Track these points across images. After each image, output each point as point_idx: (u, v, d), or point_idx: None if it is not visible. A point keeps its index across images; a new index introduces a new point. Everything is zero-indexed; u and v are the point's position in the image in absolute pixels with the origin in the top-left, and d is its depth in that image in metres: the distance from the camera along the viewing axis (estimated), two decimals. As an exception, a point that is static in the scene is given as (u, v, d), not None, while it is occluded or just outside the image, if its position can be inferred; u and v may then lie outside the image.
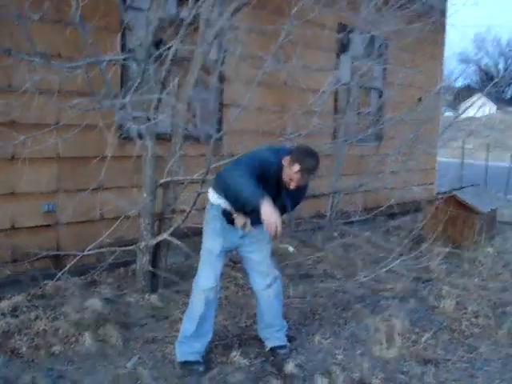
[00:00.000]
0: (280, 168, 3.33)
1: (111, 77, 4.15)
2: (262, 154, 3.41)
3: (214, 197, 3.57)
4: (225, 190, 3.40)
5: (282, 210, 3.40)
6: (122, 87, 5.08)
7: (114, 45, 4.58)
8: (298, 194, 3.53)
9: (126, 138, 5.03)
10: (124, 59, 4.12)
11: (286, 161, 3.30)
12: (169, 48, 4.10)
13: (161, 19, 4.01)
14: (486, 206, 6.94)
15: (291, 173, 3.26)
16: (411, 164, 6.88)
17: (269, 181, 3.30)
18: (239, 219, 3.48)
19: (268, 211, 3.03)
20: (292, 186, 3.30)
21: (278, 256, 5.93)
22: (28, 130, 4.28)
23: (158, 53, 4.04)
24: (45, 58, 3.21)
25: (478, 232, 6.71)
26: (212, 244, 3.58)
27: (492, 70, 59.79)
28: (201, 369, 3.50)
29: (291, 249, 3.53)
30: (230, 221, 3.55)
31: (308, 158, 3.28)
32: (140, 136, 4.26)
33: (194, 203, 4.35)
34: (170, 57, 4.17)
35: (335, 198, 6.86)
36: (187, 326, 3.61)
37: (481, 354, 4.02)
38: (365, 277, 5.01)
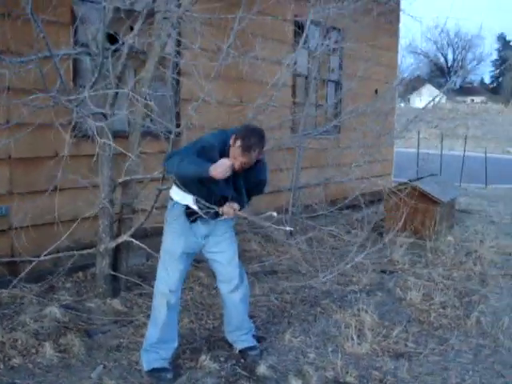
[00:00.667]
0: (229, 148, 3.21)
1: (65, 72, 3.95)
2: (204, 139, 3.30)
3: (179, 194, 3.40)
4: (178, 179, 3.30)
5: (239, 200, 3.35)
6: (75, 83, 4.88)
7: (66, 39, 4.39)
8: (252, 178, 3.38)
9: (82, 137, 4.81)
10: (77, 53, 3.91)
11: (232, 139, 3.19)
12: (123, 42, 3.92)
13: (116, 11, 3.82)
14: (446, 196, 6.99)
15: (234, 149, 3.14)
16: (371, 155, 6.87)
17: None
18: (226, 209, 3.33)
19: (217, 169, 3.02)
20: (236, 165, 3.15)
21: (242, 253, 5.85)
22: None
23: (113, 47, 3.85)
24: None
25: (438, 222, 6.75)
26: (172, 245, 3.44)
27: (441, 60, 61.11)
28: (169, 376, 3.35)
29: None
30: (193, 220, 3.41)
31: (250, 133, 3.16)
32: (97, 134, 4.07)
33: (155, 201, 4.19)
34: (125, 50, 3.98)
35: (297, 192, 6.78)
36: (151, 332, 3.46)
37: (452, 345, 4.01)
38: (330, 273, 4.94)
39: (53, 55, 3.02)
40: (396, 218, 6.87)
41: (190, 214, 3.40)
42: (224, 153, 3.21)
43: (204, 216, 3.35)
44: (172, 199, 3.47)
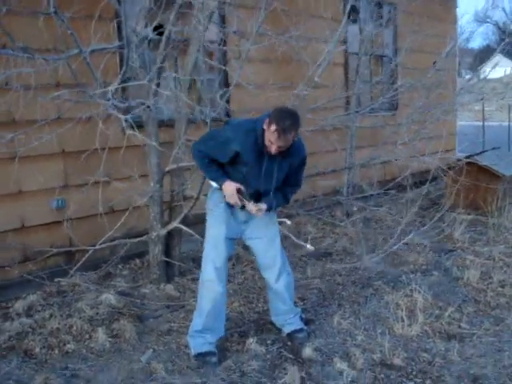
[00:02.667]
0: (262, 134, 3.19)
1: (109, 66, 4.04)
2: (222, 132, 3.35)
3: None
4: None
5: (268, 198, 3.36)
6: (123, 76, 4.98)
7: (110, 33, 4.47)
8: (291, 180, 3.44)
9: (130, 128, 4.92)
10: (120, 47, 3.97)
11: (265, 124, 3.16)
12: (162, 32, 3.96)
13: (155, 1, 3.86)
14: (509, 170, 6.70)
15: (269, 134, 3.12)
16: (428, 131, 6.64)
17: (245, 156, 3.22)
18: (251, 206, 3.34)
19: (227, 191, 3.29)
20: (273, 149, 3.14)
21: (298, 236, 5.83)
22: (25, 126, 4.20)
23: (150, 36, 3.89)
24: (29, 51, 3.09)
25: (501, 197, 6.48)
26: (215, 232, 3.46)
27: (511, 27, 58.20)
28: (214, 359, 3.40)
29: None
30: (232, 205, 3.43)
31: (284, 115, 3.13)
32: (141, 125, 4.15)
33: (201, 188, 4.25)
34: (164, 40, 4.02)
35: (350, 173, 6.68)
36: (197, 322, 3.51)
37: (508, 325, 3.86)
38: (382, 253, 4.83)
39: (82, 51, 3.10)
40: (456, 194, 6.66)
41: None
42: (250, 142, 3.21)
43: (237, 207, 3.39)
44: (212, 186, 3.51)
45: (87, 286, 4.51)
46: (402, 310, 3.99)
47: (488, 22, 48.05)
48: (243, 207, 3.34)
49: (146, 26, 3.89)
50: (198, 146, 3.39)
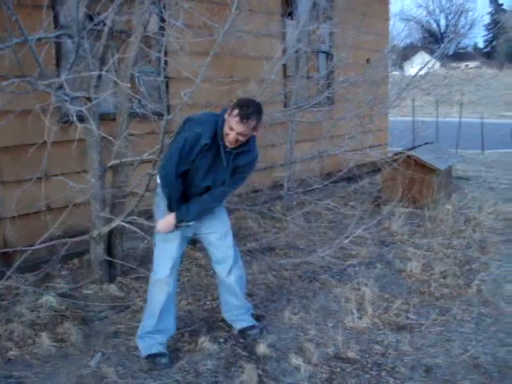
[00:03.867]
0: (222, 127, 3.15)
1: (45, 56, 3.83)
2: (188, 127, 3.22)
3: None
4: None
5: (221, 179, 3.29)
6: (58, 67, 4.76)
7: (46, 22, 4.25)
8: (238, 176, 3.37)
9: (66, 122, 4.71)
10: (57, 36, 3.78)
11: (227, 112, 3.13)
12: (103, 21, 3.79)
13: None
14: (443, 164, 6.90)
15: (231, 119, 3.08)
16: (365, 126, 6.75)
17: (204, 148, 3.15)
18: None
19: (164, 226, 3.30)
20: (231, 137, 3.09)
21: (237, 230, 5.78)
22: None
23: (91, 26, 3.72)
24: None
25: (436, 190, 6.67)
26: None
27: (434, 26, 60.44)
28: (165, 360, 3.29)
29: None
30: None
31: (248, 103, 3.15)
32: (82, 118, 3.96)
33: (147, 186, 4.11)
34: (106, 30, 3.86)
35: (291, 167, 6.69)
36: (147, 322, 3.40)
37: (454, 315, 3.95)
38: (329, 248, 4.86)
39: (27, 39, 2.91)
40: (393, 188, 6.81)
41: None
42: (216, 133, 3.15)
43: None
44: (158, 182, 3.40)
45: (25, 289, 4.28)
46: (352, 303, 4.02)
47: (412, 21, 49.63)
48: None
49: (88, 15, 3.71)
50: (167, 169, 3.22)
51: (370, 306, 4.02)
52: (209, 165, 3.22)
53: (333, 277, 4.74)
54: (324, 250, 4.81)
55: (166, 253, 3.36)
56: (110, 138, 3.79)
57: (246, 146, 3.23)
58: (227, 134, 3.10)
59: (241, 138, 3.12)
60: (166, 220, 3.29)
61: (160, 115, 4.60)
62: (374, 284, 4.39)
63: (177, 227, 3.30)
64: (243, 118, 3.04)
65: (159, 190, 3.40)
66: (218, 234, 3.49)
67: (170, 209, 3.28)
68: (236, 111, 3.05)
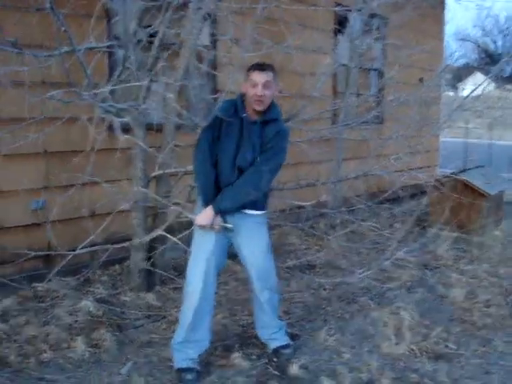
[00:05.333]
0: (242, 103, 3.30)
1: (97, 66, 3.91)
2: (209, 121, 3.40)
3: None
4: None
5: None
6: (110, 77, 4.85)
7: (100, 32, 4.34)
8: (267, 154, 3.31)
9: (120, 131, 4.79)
10: (108, 46, 3.85)
11: (243, 85, 3.30)
12: (154, 33, 3.85)
13: (146, 2, 3.75)
14: (493, 188, 6.71)
15: (251, 76, 3.23)
16: (415, 146, 6.63)
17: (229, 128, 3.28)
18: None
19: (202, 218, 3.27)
20: (259, 91, 3.18)
21: (279, 246, 5.75)
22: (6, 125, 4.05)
23: (143, 38, 3.78)
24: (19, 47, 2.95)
25: (485, 215, 6.48)
26: (202, 242, 3.35)
27: (491, 47, 59.14)
28: (190, 377, 3.25)
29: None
30: None
31: (257, 62, 3.34)
32: (127, 128, 4.02)
33: (189, 196, 4.13)
34: (156, 42, 3.91)
35: (337, 185, 6.62)
36: (179, 332, 3.38)
37: (495, 346, 3.80)
38: (368, 269, 4.76)
39: (75, 49, 2.97)
40: (440, 211, 6.64)
41: None
42: (237, 109, 3.29)
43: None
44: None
45: (65, 292, 4.36)
46: (389, 328, 3.92)
47: (468, 41, 48.76)
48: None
49: (139, 27, 3.77)
50: (199, 157, 3.35)
51: (409, 331, 3.91)
52: (236, 143, 3.26)
53: (372, 299, 4.64)
54: (364, 270, 4.71)
55: (200, 262, 3.33)
56: (154, 148, 3.80)
57: (269, 113, 3.29)
58: (253, 94, 3.20)
59: (267, 93, 3.20)
60: (203, 213, 3.28)
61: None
62: (414, 309, 4.28)
63: (213, 228, 3.27)
64: (260, 67, 3.24)
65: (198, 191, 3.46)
66: (253, 249, 3.44)
67: (206, 203, 3.29)
68: (252, 67, 3.26)
